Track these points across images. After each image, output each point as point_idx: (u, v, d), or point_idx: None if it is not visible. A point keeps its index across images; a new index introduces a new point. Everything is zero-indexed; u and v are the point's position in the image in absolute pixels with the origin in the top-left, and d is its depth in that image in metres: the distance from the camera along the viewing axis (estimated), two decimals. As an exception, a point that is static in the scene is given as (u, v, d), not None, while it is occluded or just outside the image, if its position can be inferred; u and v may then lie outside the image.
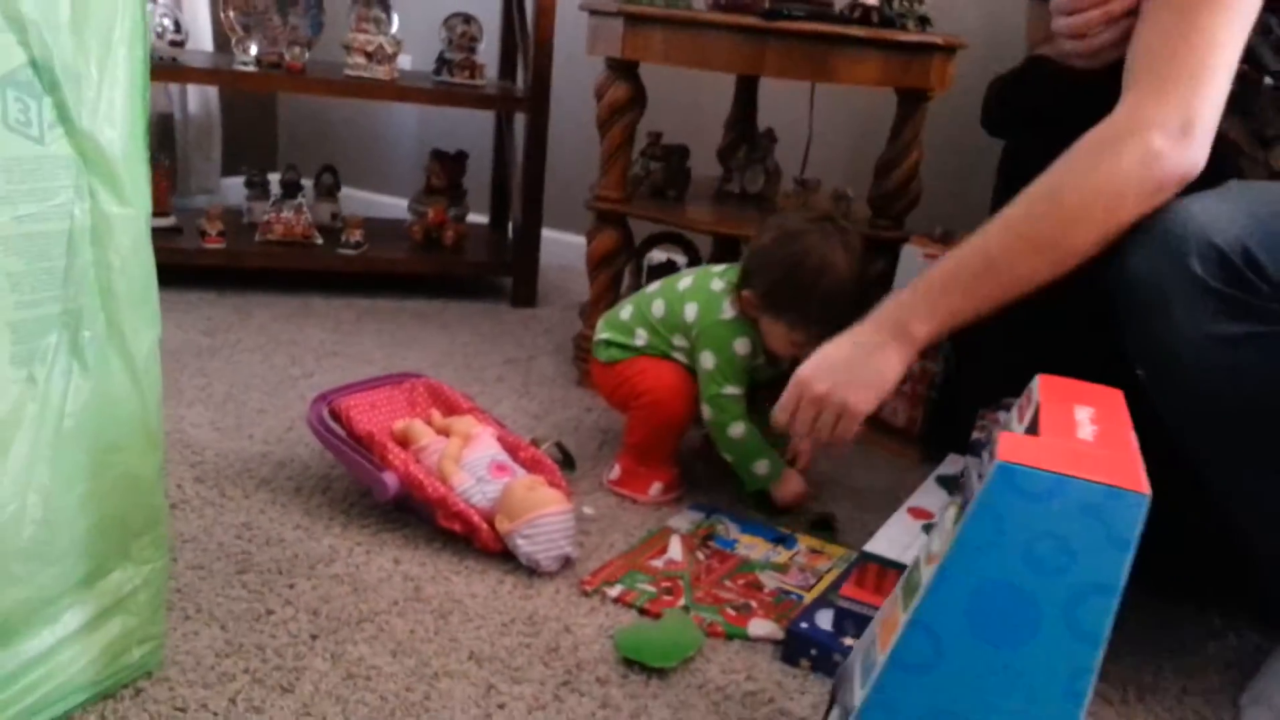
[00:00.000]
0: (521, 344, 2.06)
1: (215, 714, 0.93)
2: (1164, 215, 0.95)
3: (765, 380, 1.43)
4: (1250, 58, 1.01)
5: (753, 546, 1.31)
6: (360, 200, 2.78)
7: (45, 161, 0.77)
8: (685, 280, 1.45)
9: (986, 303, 1.04)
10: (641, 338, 1.44)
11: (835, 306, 1.26)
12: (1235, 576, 1.22)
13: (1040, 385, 0.81)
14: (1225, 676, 1.14)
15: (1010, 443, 0.67)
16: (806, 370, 1.11)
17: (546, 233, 2.34)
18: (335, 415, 1.33)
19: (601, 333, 1.49)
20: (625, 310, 1.48)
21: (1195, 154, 0.97)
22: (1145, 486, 0.63)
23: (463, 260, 2.32)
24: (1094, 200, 0.98)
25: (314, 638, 1.06)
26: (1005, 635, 0.67)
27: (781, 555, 1.30)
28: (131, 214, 0.82)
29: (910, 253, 1.61)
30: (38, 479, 0.80)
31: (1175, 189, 0.97)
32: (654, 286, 1.48)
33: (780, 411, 1.14)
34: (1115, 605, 0.64)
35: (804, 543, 1.33)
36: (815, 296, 1.30)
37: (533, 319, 2.23)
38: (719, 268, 1.47)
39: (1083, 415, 0.74)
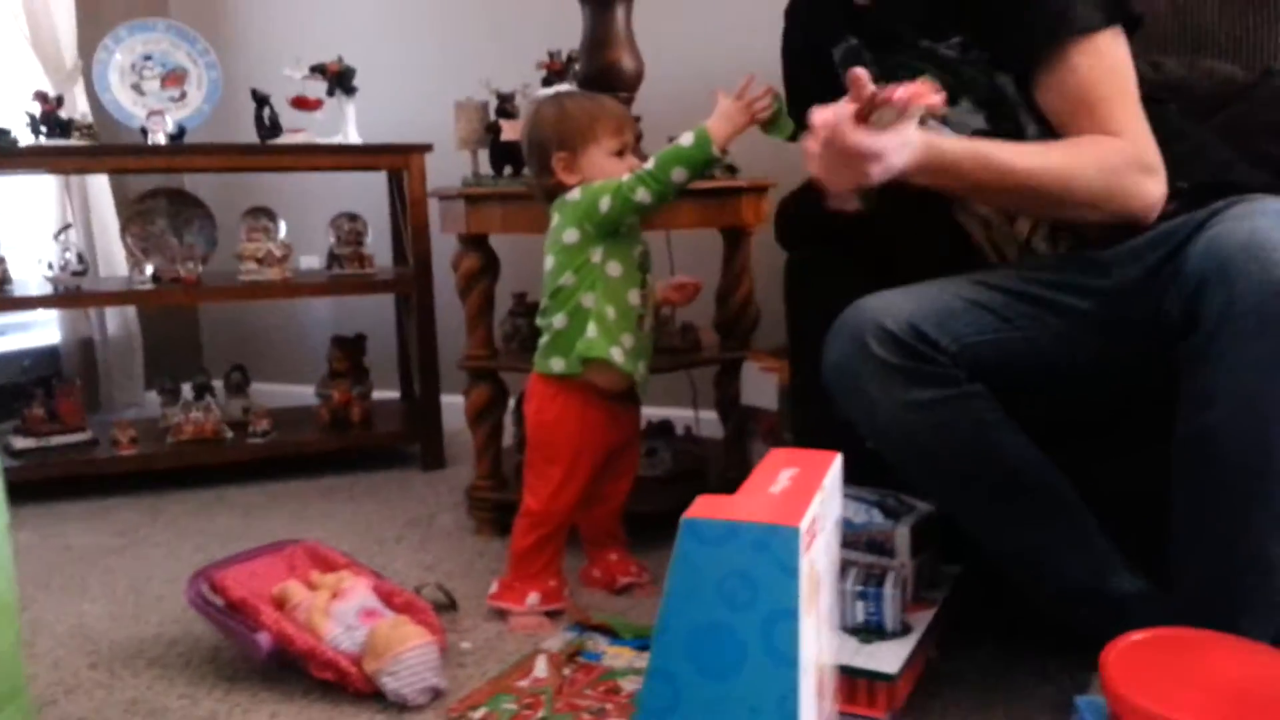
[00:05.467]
0: (426, 504, 2.16)
1: None
2: (847, 311, 1.11)
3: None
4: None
5: (618, 656, 1.39)
6: (279, 393, 2.92)
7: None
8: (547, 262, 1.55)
9: (986, 192, 1.11)
10: (556, 360, 1.53)
11: (592, 104, 1.52)
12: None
13: (767, 456, 0.94)
14: (1054, 718, 1.22)
15: (699, 502, 0.79)
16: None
17: (452, 398, 2.48)
18: (214, 588, 1.41)
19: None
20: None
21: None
22: (797, 522, 0.75)
23: (371, 434, 2.45)
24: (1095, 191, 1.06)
25: (187, 796, 1.12)
26: (721, 669, 0.77)
27: (644, 661, 1.37)
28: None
29: (750, 367, 1.76)
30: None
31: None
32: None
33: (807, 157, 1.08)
34: (798, 627, 0.75)
35: (667, 647, 1.42)
36: (577, 110, 1.50)
37: (440, 480, 2.34)
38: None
39: (785, 475, 0.86)
